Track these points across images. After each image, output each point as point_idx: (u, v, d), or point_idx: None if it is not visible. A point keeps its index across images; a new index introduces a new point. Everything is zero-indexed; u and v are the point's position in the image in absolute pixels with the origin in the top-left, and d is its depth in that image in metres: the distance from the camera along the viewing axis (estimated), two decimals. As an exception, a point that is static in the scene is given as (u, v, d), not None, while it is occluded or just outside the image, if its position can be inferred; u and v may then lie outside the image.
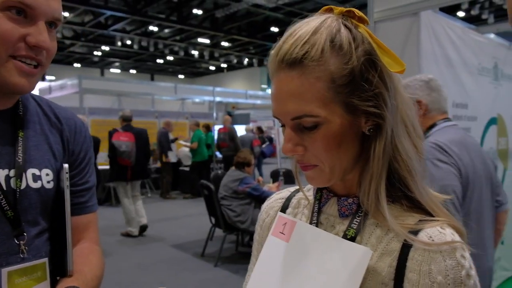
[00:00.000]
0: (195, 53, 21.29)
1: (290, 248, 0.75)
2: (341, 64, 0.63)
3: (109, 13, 14.74)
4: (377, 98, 0.65)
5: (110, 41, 19.08)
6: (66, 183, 0.93)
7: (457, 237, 0.64)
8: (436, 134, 1.76)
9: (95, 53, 22.32)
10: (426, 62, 2.59)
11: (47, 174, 0.96)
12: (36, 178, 0.93)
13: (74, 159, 1.04)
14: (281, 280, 0.74)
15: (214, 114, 11.04)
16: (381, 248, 0.66)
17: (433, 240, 0.62)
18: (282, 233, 0.78)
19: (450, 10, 8.42)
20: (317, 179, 0.70)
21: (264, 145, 12.42)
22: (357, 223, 0.69)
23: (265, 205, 0.92)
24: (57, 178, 0.97)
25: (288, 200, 0.87)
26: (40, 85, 11.25)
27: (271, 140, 14.57)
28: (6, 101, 0.93)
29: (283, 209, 0.86)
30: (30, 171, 0.93)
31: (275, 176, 6.68)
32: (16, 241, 0.89)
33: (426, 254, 0.62)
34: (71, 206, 0.98)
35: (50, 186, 0.96)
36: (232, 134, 9.73)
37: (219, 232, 5.28)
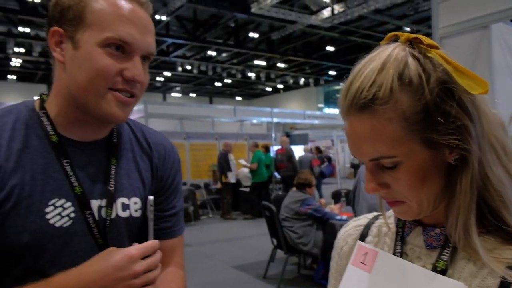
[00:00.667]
0: (252, 75, 21.71)
1: (373, 280, 0.71)
2: (412, 101, 0.59)
3: (170, 40, 15.52)
4: (459, 130, 0.60)
5: (171, 67, 20.01)
6: (150, 216, 0.94)
7: None
8: None
9: (158, 78, 23.49)
10: (499, 77, 2.46)
11: (135, 203, 0.97)
12: (125, 207, 0.95)
13: (162, 185, 1.05)
14: None
15: (273, 135, 11.12)
16: (476, 285, 0.61)
17: None
18: (363, 263, 0.74)
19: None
20: (406, 214, 0.68)
21: (323, 165, 12.25)
22: (447, 255, 0.65)
23: (342, 232, 0.89)
24: (145, 206, 0.99)
25: (367, 227, 0.83)
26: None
27: (329, 159, 14.35)
28: (103, 130, 0.96)
29: (362, 237, 0.83)
30: (120, 200, 0.95)
31: (336, 197, 6.55)
32: None
33: None
34: (157, 231, 1.00)
35: (137, 214, 0.98)
36: (289, 154, 9.72)
37: (280, 253, 5.23)
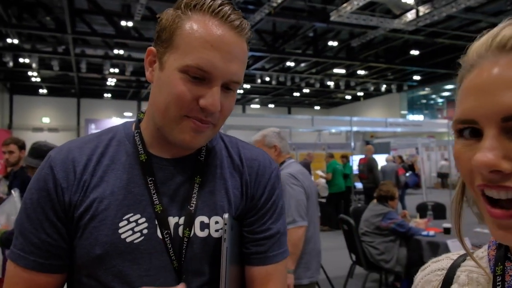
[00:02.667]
0: (330, 84, 21.38)
1: None
2: None
3: (250, 53, 15.88)
4: None
5: (251, 79, 20.44)
6: (224, 236, 0.88)
7: None
8: (286, 167, 2.83)
9: (238, 91, 24.17)
10: None
11: (217, 222, 0.91)
12: (204, 226, 0.90)
13: (254, 204, 0.96)
14: None
15: (352, 144, 10.79)
16: None
17: None
18: None
19: None
20: None
21: (407, 175, 11.57)
22: None
23: (418, 278, 0.72)
24: (230, 227, 0.91)
25: (451, 271, 0.65)
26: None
27: (412, 169, 13.52)
28: (187, 149, 0.93)
29: (445, 285, 0.65)
30: (199, 219, 0.90)
31: (422, 210, 6.09)
32: None
33: None
34: (249, 255, 0.95)
35: (218, 235, 0.90)
36: (371, 164, 9.34)
37: (360, 269, 4.98)
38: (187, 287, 0.86)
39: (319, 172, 10.11)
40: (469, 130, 0.51)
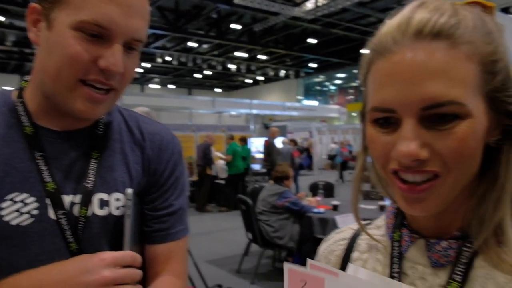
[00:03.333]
0: (232, 67, 21.53)
1: None
2: (492, 48, 0.49)
3: (150, 31, 15.17)
4: None
5: (151, 58, 19.64)
6: (127, 212, 0.81)
7: None
8: None
9: (136, 70, 23.06)
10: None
11: (117, 199, 0.84)
12: (103, 204, 0.82)
13: (156, 179, 0.90)
14: None
15: (251, 127, 11.01)
16: None
17: None
18: None
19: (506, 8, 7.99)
20: (427, 202, 0.50)
21: (301, 156, 12.21)
22: (461, 275, 0.52)
23: (322, 249, 0.73)
24: (133, 203, 0.85)
25: (352, 241, 0.68)
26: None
27: (308, 151, 14.33)
28: (84, 121, 0.83)
29: (347, 254, 0.67)
30: (98, 196, 0.82)
31: (314, 189, 6.47)
32: None
33: None
34: (150, 233, 0.88)
35: (119, 212, 0.83)
36: (270, 148, 9.62)
37: (255, 247, 5.14)
38: None
39: (218, 154, 10.15)
40: (385, 118, 0.50)
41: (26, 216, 0.75)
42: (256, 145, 12.43)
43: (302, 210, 4.61)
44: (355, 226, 0.70)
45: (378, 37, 0.52)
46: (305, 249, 4.51)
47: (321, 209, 4.73)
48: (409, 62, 0.47)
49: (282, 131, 14.60)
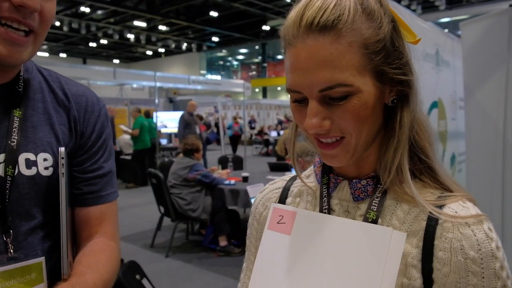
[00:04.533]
0: (131, 36, 20.41)
1: (295, 241, 0.68)
2: (373, 29, 0.59)
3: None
4: (406, 66, 0.63)
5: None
6: (61, 170, 0.80)
7: (479, 211, 0.63)
8: None
9: (19, 35, 20.62)
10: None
11: (45, 159, 0.83)
12: (30, 164, 0.81)
13: (84, 141, 0.90)
14: (288, 277, 0.67)
15: (156, 100, 10.66)
16: (405, 229, 0.63)
17: (457, 213, 0.61)
18: (280, 226, 0.71)
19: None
20: (339, 157, 0.64)
21: (208, 131, 12.25)
22: (376, 205, 0.65)
23: (259, 198, 0.84)
24: (57, 162, 0.83)
25: (285, 189, 0.81)
26: None
27: (216, 125, 14.40)
28: (2, 75, 0.79)
29: (282, 199, 0.80)
30: (24, 156, 0.80)
31: (223, 162, 6.61)
32: (4, 238, 0.77)
33: (455, 230, 0.60)
34: (82, 196, 0.89)
35: (48, 172, 0.83)
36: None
37: (167, 221, 5.14)
38: (14, 231, 0.77)
39: (123, 127, 9.69)
40: (300, 97, 0.63)
41: None
42: (162, 119, 12.11)
43: (213, 182, 4.71)
44: (286, 178, 0.84)
45: (283, 28, 0.63)
46: (217, 220, 4.64)
47: (232, 181, 4.88)
48: (303, 55, 0.59)
49: (186, 105, 14.42)
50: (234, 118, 15.73)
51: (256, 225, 0.82)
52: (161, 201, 4.93)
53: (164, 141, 11.57)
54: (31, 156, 0.81)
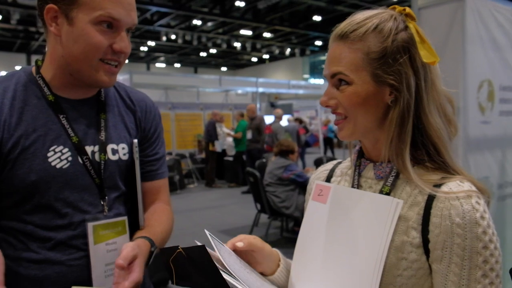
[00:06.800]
0: (237, 45, 21.52)
1: (329, 208, 0.90)
2: (377, 42, 0.81)
3: (154, 9, 15.22)
4: (399, 74, 0.81)
5: (156, 36, 19.69)
6: (135, 155, 1.14)
7: (474, 188, 0.78)
8: None
9: (142, 48, 23.10)
10: (471, 46, 2.59)
11: (123, 148, 1.15)
12: (114, 152, 1.13)
13: (145, 134, 1.22)
14: (324, 234, 0.88)
15: (258, 105, 11.20)
16: (410, 201, 0.81)
17: (451, 190, 0.77)
18: (320, 196, 0.93)
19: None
20: (343, 130, 0.87)
21: (307, 134, 12.43)
22: (390, 182, 0.84)
23: (312, 177, 1.07)
24: (131, 151, 1.16)
25: (332, 171, 1.03)
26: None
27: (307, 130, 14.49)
28: (91, 91, 1.14)
29: (328, 178, 1.01)
30: (110, 146, 1.12)
31: (318, 164, 6.76)
32: (102, 202, 1.10)
33: (447, 201, 0.76)
34: (144, 174, 1.20)
35: (125, 157, 1.15)
36: (275, 135, 9.46)
37: (264, 218, 5.45)
38: (107, 198, 1.11)
39: (227, 131, 10.38)
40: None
41: (65, 161, 1.05)
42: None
43: (306, 182, 4.85)
44: (334, 162, 1.07)
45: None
46: (310, 218, 4.80)
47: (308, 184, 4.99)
48: (329, 53, 0.87)
49: (288, 110, 14.80)
50: (323, 122, 15.68)
51: (308, 197, 1.03)
52: (257, 198, 5.26)
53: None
54: (114, 146, 1.13)
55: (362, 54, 0.81)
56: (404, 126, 0.81)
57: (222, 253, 0.78)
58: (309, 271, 0.89)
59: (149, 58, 26.52)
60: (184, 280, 0.74)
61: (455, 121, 0.88)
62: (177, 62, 27.80)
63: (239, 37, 20.56)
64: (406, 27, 0.83)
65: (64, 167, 1.04)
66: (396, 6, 0.87)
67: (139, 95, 1.27)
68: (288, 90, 11.48)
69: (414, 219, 0.79)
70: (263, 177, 5.15)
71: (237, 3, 15.64)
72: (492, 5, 2.79)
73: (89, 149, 1.08)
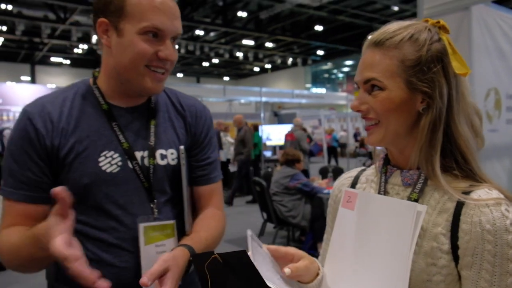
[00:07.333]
0: (239, 55, 21.66)
1: (357, 215, 0.91)
2: (413, 51, 0.84)
3: (158, 20, 15.30)
4: (433, 82, 0.83)
5: (159, 47, 19.79)
6: (182, 161, 1.16)
7: (502, 196, 0.79)
8: None
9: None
10: (478, 55, 2.62)
11: (172, 153, 1.18)
12: (163, 157, 1.16)
13: (196, 139, 1.24)
14: (353, 240, 0.90)
15: (262, 114, 11.24)
16: (439, 207, 0.83)
17: (480, 197, 0.78)
18: (348, 203, 0.94)
19: (505, 0, 8.09)
20: (373, 135, 0.88)
21: (311, 144, 12.44)
22: (418, 189, 0.85)
23: (336, 184, 1.08)
24: (184, 155, 1.18)
25: (356, 178, 1.04)
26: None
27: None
28: (141, 99, 1.18)
29: (353, 185, 1.02)
30: (159, 152, 1.16)
31: (324, 173, 6.76)
32: (151, 205, 1.13)
33: (477, 208, 0.77)
34: (196, 178, 1.23)
35: (174, 162, 1.18)
36: (299, 143, 9.15)
37: (270, 227, 5.44)
38: (157, 201, 1.14)
39: (230, 139, 10.40)
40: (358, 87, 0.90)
41: (115, 166, 1.09)
42: (267, 132, 12.68)
43: (313, 191, 4.90)
44: (359, 169, 1.08)
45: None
46: (316, 227, 4.81)
47: (331, 190, 5.00)
48: (363, 59, 0.89)
49: (291, 119, 14.82)
50: (326, 131, 15.69)
51: (333, 204, 1.06)
52: (264, 207, 5.27)
53: (268, 153, 12.07)
54: (163, 152, 1.16)
55: (397, 61, 0.83)
56: (435, 133, 0.83)
57: (256, 257, 0.79)
58: (340, 277, 0.91)
59: (152, 68, 26.61)
60: (220, 287, 0.74)
61: (482, 133, 0.89)
62: (180, 72, 27.93)
63: (241, 47, 20.69)
64: (439, 39, 0.85)
65: (114, 171, 1.09)
66: (429, 19, 0.90)
67: (190, 100, 1.28)
68: (291, 99, 11.54)
69: (443, 225, 0.80)
70: (269, 186, 5.16)
71: (239, 14, 15.79)
72: (497, 14, 2.83)
73: (138, 154, 1.13)
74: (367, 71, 0.86)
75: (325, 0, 13.41)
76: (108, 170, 1.09)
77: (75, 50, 20.69)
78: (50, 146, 1.07)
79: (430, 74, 0.83)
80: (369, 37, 0.89)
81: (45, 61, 23.21)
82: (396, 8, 15.68)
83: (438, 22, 0.87)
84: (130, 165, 1.11)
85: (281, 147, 10.62)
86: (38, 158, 1.06)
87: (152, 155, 1.14)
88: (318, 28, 17.95)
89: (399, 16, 15.43)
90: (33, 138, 1.06)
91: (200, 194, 1.24)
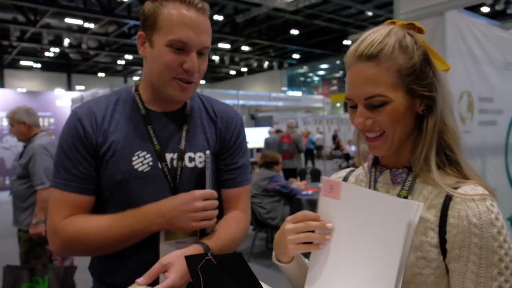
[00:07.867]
0: (216, 58, 21.63)
1: (344, 205, 0.87)
2: (406, 59, 0.85)
3: (132, 22, 15.19)
4: (431, 85, 0.86)
5: (133, 50, 19.57)
6: (207, 165, 1.21)
7: (487, 192, 0.83)
8: (38, 140, 3.36)
9: (119, 62, 22.90)
10: (451, 59, 2.71)
11: (200, 157, 1.25)
12: (191, 160, 1.23)
13: (225, 144, 1.30)
14: (342, 229, 0.87)
15: (238, 117, 11.22)
16: (428, 203, 0.86)
17: (467, 192, 0.82)
18: (331, 193, 0.89)
19: (475, 6, 8.40)
20: (381, 148, 0.88)
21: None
22: (407, 186, 0.89)
23: None
24: (210, 159, 1.23)
25: (345, 179, 1.07)
26: (72, 95, 11.74)
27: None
28: (176, 104, 1.26)
29: None
30: (188, 155, 1.23)
31: (302, 174, 6.82)
32: None
33: (463, 203, 0.81)
34: (223, 181, 1.29)
35: (201, 165, 1.24)
36: (297, 144, 8.83)
37: (249, 230, 5.43)
38: None
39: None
40: (352, 104, 0.89)
41: (146, 165, 1.18)
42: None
43: (291, 193, 4.94)
44: (347, 170, 1.10)
45: (346, 56, 0.89)
46: (296, 229, 4.82)
47: (310, 192, 5.06)
48: (355, 74, 0.86)
49: (269, 122, 14.90)
50: (303, 133, 15.82)
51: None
52: (243, 210, 5.25)
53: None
54: (192, 155, 1.24)
55: (395, 72, 0.84)
56: (435, 132, 0.87)
57: None
58: (328, 267, 0.89)
59: (126, 72, 26.30)
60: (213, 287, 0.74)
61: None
62: (155, 75, 27.60)
63: (217, 50, 20.67)
64: (418, 41, 0.87)
65: (145, 170, 1.17)
66: (396, 20, 0.90)
67: (223, 107, 1.35)
68: (268, 102, 11.59)
69: (432, 220, 0.84)
70: (248, 189, 5.16)
71: (216, 17, 15.78)
72: (469, 20, 2.93)
73: (168, 156, 1.20)
74: (369, 87, 0.84)
75: (301, 4, 13.56)
76: (140, 169, 1.17)
77: (46, 54, 20.22)
78: (95, 144, 1.17)
79: (427, 79, 0.85)
80: (353, 48, 0.87)
81: (14, 65, 22.56)
82: (370, 13, 16.02)
83: (411, 24, 0.88)
84: (159, 165, 1.19)
85: (258, 150, 10.63)
86: (87, 153, 1.17)
87: (181, 158, 1.21)
88: (294, 32, 18.14)
89: (374, 21, 15.78)
90: (82, 136, 1.16)
91: (227, 196, 1.29)
